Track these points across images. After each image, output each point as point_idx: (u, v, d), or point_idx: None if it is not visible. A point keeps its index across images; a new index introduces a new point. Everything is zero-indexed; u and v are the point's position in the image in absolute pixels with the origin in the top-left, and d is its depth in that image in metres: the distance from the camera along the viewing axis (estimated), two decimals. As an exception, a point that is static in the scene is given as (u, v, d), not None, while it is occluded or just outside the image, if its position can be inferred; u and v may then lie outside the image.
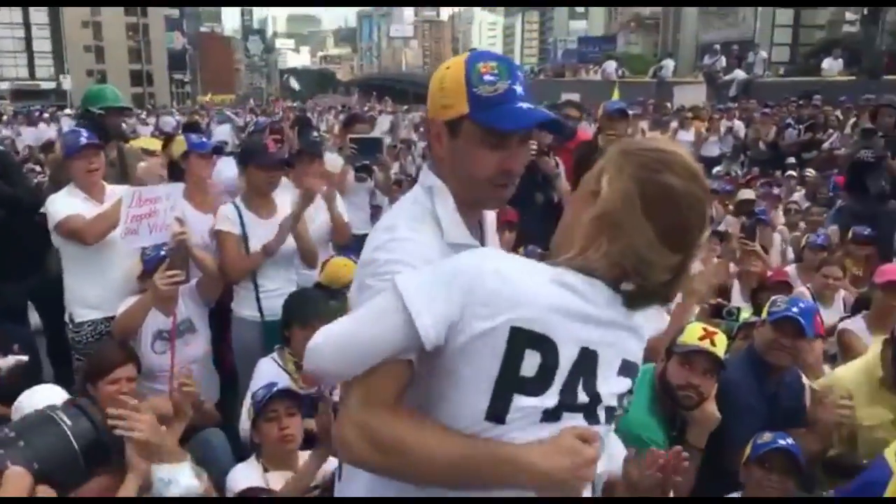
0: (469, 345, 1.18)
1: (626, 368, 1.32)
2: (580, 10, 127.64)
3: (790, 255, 6.09)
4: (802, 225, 6.87)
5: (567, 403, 1.23)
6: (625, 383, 1.32)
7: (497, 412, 1.21)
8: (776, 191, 8.57)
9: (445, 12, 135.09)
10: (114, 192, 3.63)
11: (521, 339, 1.18)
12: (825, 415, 2.57)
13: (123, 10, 78.84)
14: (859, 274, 4.83)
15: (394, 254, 1.37)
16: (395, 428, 1.20)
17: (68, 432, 0.76)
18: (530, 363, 1.19)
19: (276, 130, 4.80)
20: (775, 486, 2.38)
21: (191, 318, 3.53)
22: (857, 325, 3.73)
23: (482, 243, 1.58)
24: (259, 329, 3.58)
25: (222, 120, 13.50)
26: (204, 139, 4.48)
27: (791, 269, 5.12)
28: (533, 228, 4.39)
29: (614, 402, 1.31)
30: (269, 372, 3.10)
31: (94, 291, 3.58)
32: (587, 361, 1.24)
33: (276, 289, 3.57)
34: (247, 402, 2.90)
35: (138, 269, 3.47)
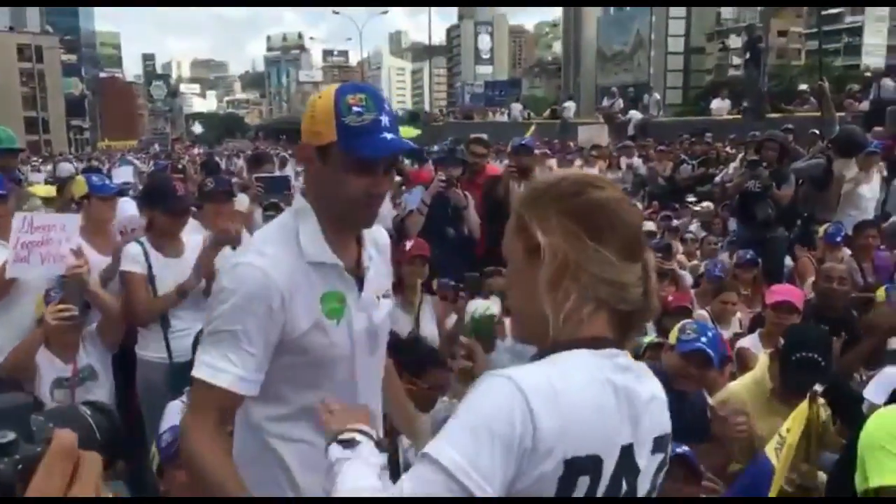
0: (527, 488, 1.06)
1: (658, 444, 1.22)
2: (486, 55, 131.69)
3: (689, 281, 6.39)
4: (699, 253, 7.25)
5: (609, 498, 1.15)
6: (656, 459, 1.21)
7: None
8: (675, 223, 9.01)
9: (355, 57, 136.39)
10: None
11: (574, 468, 1.08)
12: (722, 428, 2.68)
13: (17, 55, 75.85)
14: (748, 294, 5.12)
15: (232, 283, 1.50)
16: None
17: (92, 423, 0.77)
18: (581, 486, 1.09)
19: (178, 170, 4.70)
20: (677, 493, 2.46)
21: (92, 365, 3.35)
22: (752, 342, 3.95)
23: (359, 262, 1.66)
24: (166, 371, 3.43)
25: (124, 164, 13.12)
26: (106, 181, 4.31)
27: (690, 294, 5.38)
28: (445, 261, 4.48)
29: (647, 486, 1.21)
30: (178, 415, 2.99)
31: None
32: (627, 459, 1.15)
33: (186, 328, 3.41)
34: (153, 449, 2.79)
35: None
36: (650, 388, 1.20)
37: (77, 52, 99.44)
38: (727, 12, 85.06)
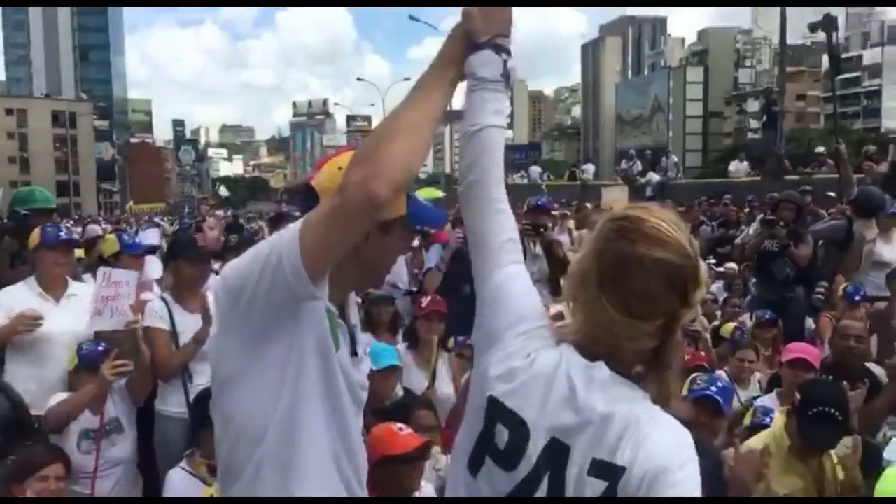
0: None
1: (601, 470, 1.20)
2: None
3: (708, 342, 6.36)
4: (719, 314, 7.23)
5: (525, 490, 1.23)
6: (596, 484, 1.20)
7: (474, 463, 1.30)
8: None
9: (377, 121, 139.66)
10: (74, 294, 3.64)
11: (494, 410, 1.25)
12: (742, 467, 2.63)
13: (51, 121, 78.48)
14: (768, 354, 5.08)
15: None
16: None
17: None
18: (501, 437, 1.24)
19: (201, 228, 4.87)
20: None
21: (119, 418, 3.41)
22: (771, 402, 3.91)
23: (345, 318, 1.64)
24: (185, 426, 3.47)
25: (150, 226, 13.42)
26: (136, 239, 4.48)
27: (711, 354, 5.34)
28: (462, 319, 4.52)
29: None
30: (179, 484, 2.99)
31: (28, 387, 3.40)
32: (555, 456, 1.21)
33: (207, 383, 3.47)
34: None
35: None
36: (611, 407, 1.20)
37: (109, 118, 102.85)
38: (744, 77, 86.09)
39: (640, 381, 1.26)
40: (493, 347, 1.29)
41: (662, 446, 1.19)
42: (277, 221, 6.13)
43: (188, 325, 3.55)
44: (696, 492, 1.17)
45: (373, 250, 1.52)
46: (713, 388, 2.91)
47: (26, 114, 79.45)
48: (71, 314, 3.52)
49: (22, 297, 3.50)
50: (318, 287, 1.36)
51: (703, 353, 5.03)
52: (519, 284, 1.36)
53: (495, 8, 1.38)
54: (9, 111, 78.68)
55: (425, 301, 4.16)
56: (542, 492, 1.22)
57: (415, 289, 5.31)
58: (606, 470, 1.19)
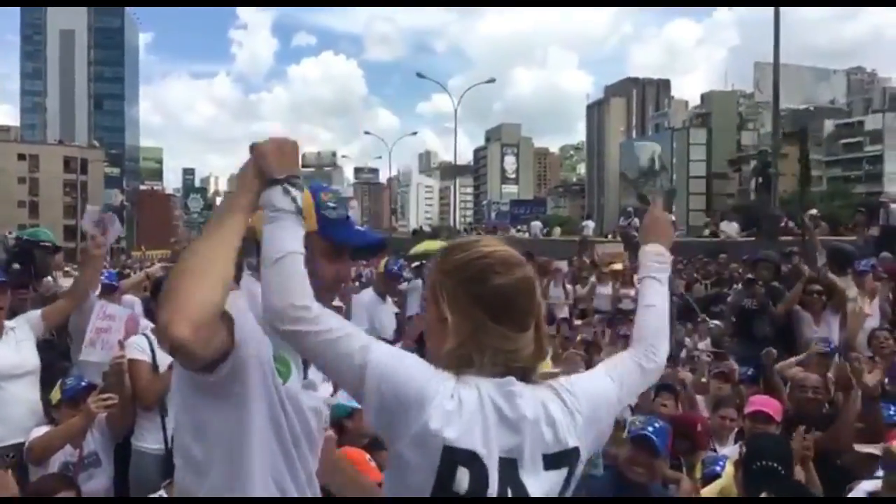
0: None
1: (553, 461, 1.38)
2: (511, 175, 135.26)
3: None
4: (707, 372, 7.27)
5: None
6: (555, 476, 1.38)
7: None
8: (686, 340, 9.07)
9: (384, 175, 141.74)
10: (12, 326, 3.77)
11: (452, 457, 1.29)
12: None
13: (63, 167, 79.67)
14: (750, 412, 5.13)
15: None
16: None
17: None
18: (461, 482, 1.29)
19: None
20: None
21: (97, 452, 3.51)
22: (732, 452, 3.98)
23: None
24: (161, 462, 3.53)
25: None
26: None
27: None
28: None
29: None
30: None
31: None
32: (509, 473, 1.32)
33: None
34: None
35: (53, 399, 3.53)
36: (537, 411, 1.37)
37: (120, 166, 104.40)
38: (747, 139, 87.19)
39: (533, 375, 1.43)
40: (423, 406, 1.31)
41: (587, 385, 1.49)
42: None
43: (168, 358, 3.66)
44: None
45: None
46: (649, 429, 2.99)
47: (38, 159, 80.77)
48: (10, 349, 3.66)
49: None
50: (215, 353, 1.47)
51: (693, 413, 5.08)
52: (388, 350, 1.40)
53: (287, 149, 1.53)
54: (21, 156, 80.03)
55: (399, 345, 4.28)
56: None
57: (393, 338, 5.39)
58: (561, 458, 1.38)
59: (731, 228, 17.90)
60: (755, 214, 18.68)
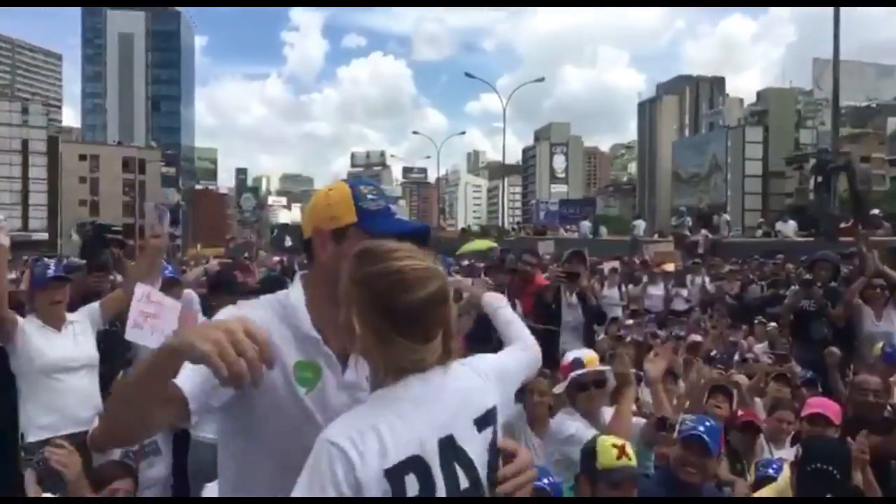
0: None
1: (481, 422, 1.50)
2: (560, 174, 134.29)
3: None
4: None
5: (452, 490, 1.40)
6: (485, 435, 1.50)
7: None
8: (743, 342, 8.87)
9: (433, 175, 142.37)
10: (72, 319, 3.93)
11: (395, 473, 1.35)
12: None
13: (122, 167, 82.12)
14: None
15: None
16: None
17: None
18: (412, 484, 1.35)
19: (242, 266, 5.17)
20: None
21: (157, 441, 3.64)
22: (789, 455, 3.89)
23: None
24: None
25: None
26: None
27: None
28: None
29: (485, 458, 1.49)
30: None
31: (48, 418, 3.70)
32: (450, 449, 1.41)
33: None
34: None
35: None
36: (455, 384, 1.48)
37: (176, 166, 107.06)
38: (805, 137, 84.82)
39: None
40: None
41: (487, 358, 1.68)
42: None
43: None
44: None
45: (336, 262, 1.58)
46: (700, 429, 2.91)
47: (98, 160, 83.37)
48: (69, 341, 3.83)
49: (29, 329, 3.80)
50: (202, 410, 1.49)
51: (747, 410, 4.98)
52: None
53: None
54: (82, 157, 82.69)
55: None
56: (464, 482, 1.41)
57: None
58: (487, 418, 1.51)
59: (788, 228, 17.44)
60: (814, 214, 18.16)
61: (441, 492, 1.37)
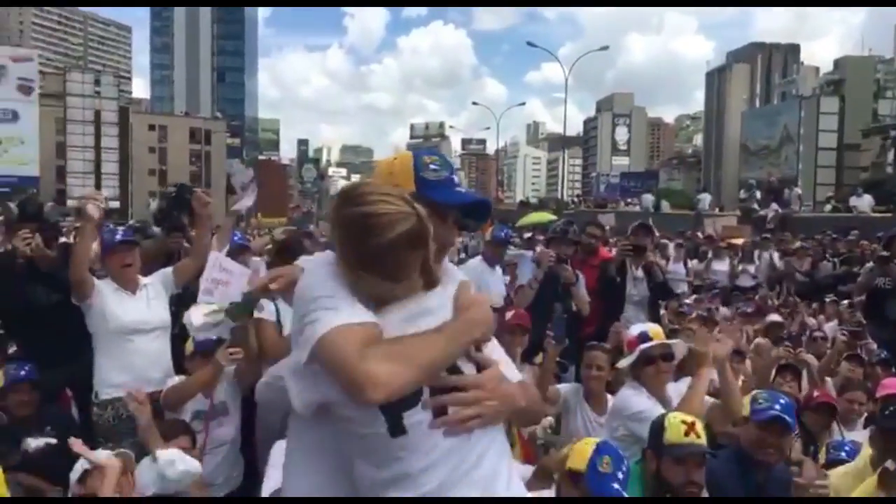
0: None
1: None
2: (622, 147, 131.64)
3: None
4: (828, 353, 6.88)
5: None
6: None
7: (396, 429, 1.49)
8: (810, 321, 8.57)
9: (492, 146, 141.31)
10: (146, 283, 4.08)
11: None
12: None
13: (189, 138, 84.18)
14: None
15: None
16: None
17: None
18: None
19: (308, 234, 5.25)
20: None
21: (226, 402, 3.76)
22: (864, 437, 3.77)
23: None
24: (285, 416, 3.70)
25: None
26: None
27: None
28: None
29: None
30: (282, 455, 3.24)
31: (120, 377, 3.87)
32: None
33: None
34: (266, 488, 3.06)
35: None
36: (435, 301, 1.60)
37: (241, 137, 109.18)
38: (884, 108, 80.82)
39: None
40: None
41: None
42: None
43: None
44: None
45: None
46: (777, 408, 2.83)
47: (167, 130, 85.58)
48: (142, 304, 3.99)
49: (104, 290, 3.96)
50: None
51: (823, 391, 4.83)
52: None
53: None
54: (151, 127, 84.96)
55: (510, 314, 4.29)
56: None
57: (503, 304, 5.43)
58: None
59: (863, 203, 16.68)
60: (891, 189, 17.34)
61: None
